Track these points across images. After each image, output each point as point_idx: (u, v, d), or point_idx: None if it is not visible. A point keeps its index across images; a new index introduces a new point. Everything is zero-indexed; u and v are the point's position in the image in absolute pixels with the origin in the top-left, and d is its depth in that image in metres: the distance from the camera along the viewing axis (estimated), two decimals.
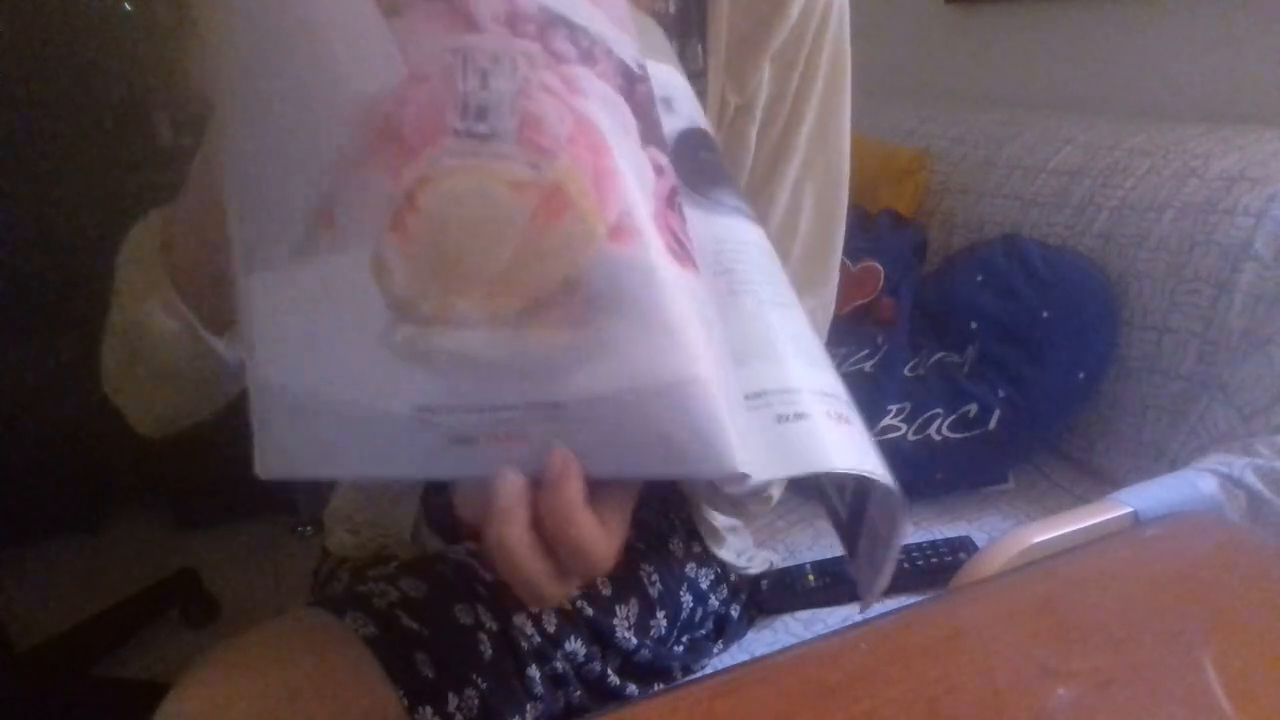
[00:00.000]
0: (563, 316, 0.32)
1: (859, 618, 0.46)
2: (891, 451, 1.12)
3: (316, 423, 0.34)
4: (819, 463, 0.34)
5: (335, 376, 0.34)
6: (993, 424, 1.05)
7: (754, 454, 0.33)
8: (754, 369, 0.35)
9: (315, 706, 0.51)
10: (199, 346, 0.50)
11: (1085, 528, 0.60)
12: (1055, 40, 1.49)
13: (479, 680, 0.61)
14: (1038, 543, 0.59)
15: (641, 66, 0.35)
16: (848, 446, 0.35)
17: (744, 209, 0.41)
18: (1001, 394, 1.06)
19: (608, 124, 0.32)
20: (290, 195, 0.33)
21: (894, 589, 0.88)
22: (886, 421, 1.08)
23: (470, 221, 0.32)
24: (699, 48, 0.61)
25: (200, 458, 1.30)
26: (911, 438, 1.07)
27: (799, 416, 0.34)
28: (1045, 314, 1.06)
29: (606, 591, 0.70)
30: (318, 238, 0.33)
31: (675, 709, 0.39)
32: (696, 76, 0.61)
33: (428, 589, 0.62)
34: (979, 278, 1.15)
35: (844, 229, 0.66)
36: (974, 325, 1.12)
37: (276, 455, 0.35)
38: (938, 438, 1.07)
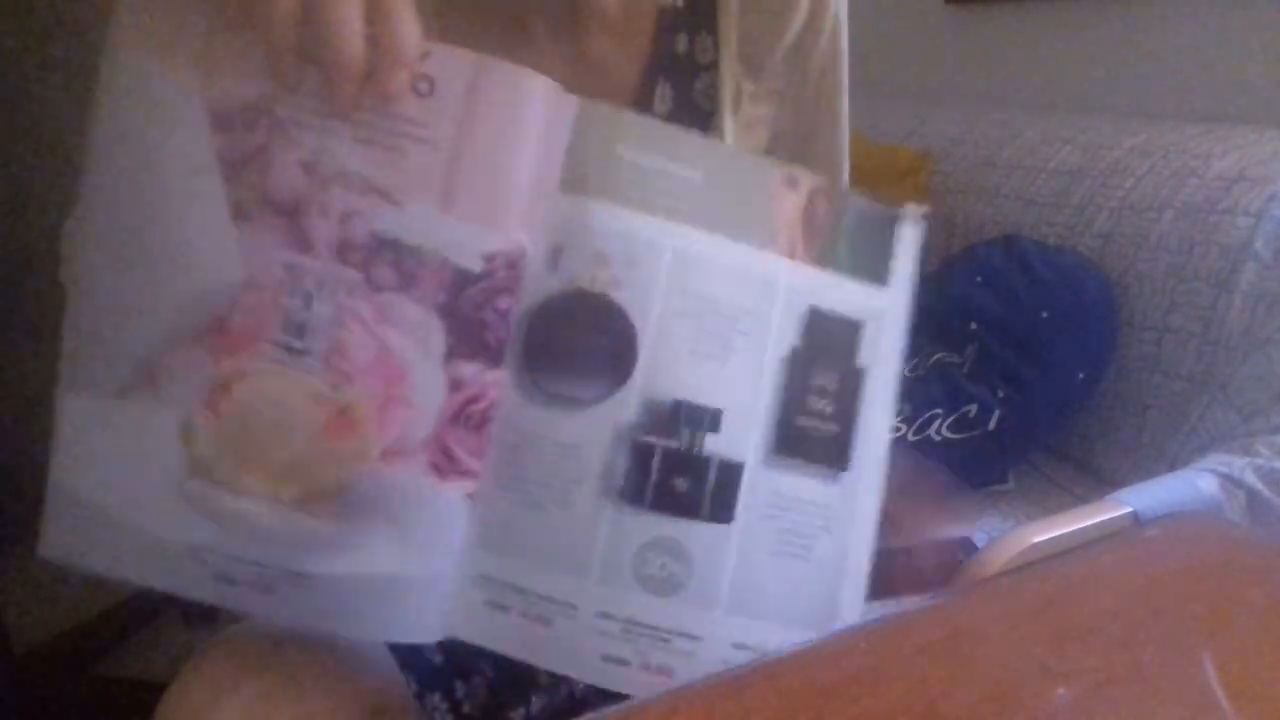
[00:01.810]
0: (329, 510, 0.39)
1: (859, 618, 0.46)
2: (891, 452, 1.12)
3: (102, 531, 0.40)
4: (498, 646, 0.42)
5: (128, 501, 0.39)
6: (992, 424, 1.06)
7: (470, 624, 0.42)
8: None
9: (323, 694, 0.51)
10: None
11: (1085, 528, 0.60)
12: (1055, 40, 1.49)
13: (486, 668, 0.61)
14: (1038, 543, 0.59)
15: (491, 258, 0.39)
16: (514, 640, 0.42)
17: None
18: (1001, 394, 1.06)
19: (408, 353, 0.39)
20: (122, 347, 0.38)
21: (894, 589, 0.88)
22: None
23: (271, 419, 0.38)
24: (709, 40, 0.63)
25: None
26: (911, 438, 1.07)
27: (503, 609, 0.41)
28: (1045, 314, 1.06)
29: None
30: (139, 390, 0.38)
31: (675, 709, 0.39)
32: (708, 69, 0.63)
33: None
34: (979, 278, 1.15)
35: None
36: (974, 326, 1.12)
37: (60, 544, 0.41)
38: (937, 438, 1.07)
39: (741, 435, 0.42)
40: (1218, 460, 0.84)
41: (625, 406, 0.40)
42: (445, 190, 0.38)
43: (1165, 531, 0.56)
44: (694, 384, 0.41)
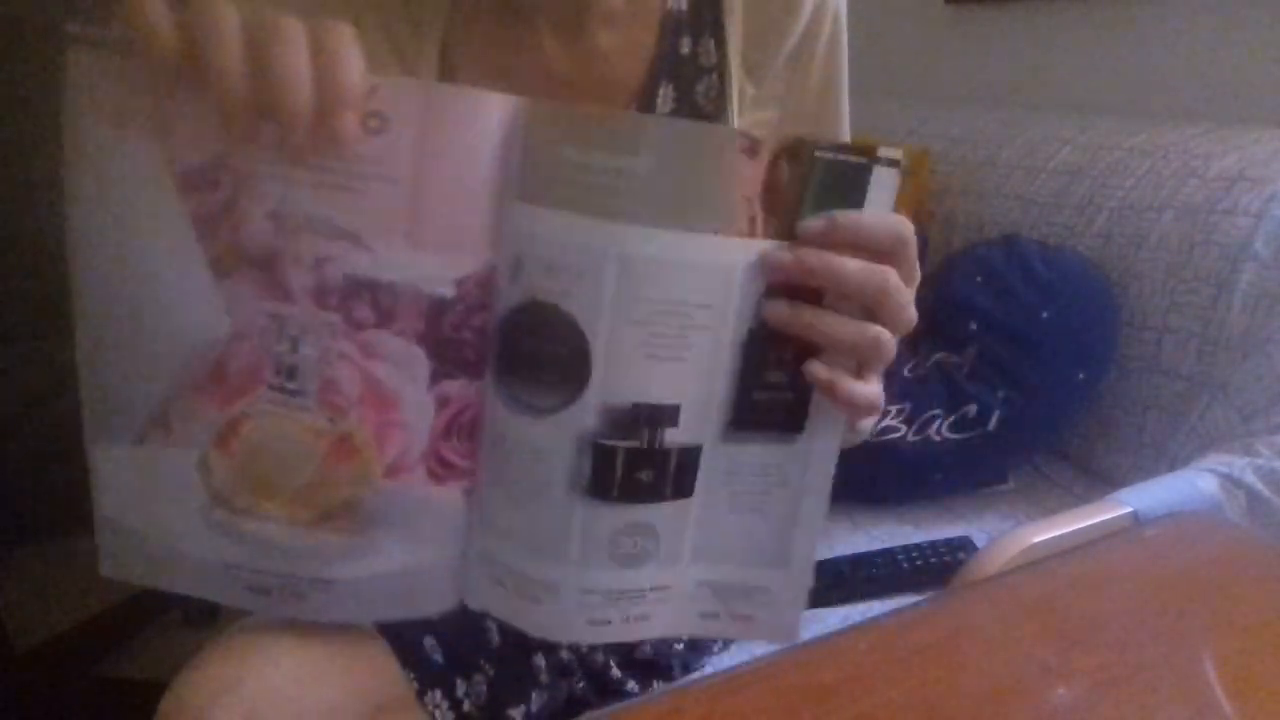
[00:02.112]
0: (343, 526, 0.43)
1: (859, 618, 0.46)
2: (891, 452, 1.12)
3: (150, 553, 0.45)
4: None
5: (164, 529, 0.44)
6: (992, 424, 1.06)
7: (476, 594, 0.47)
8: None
9: (325, 689, 0.51)
10: None
11: (1085, 528, 0.61)
12: (1055, 40, 1.49)
13: (487, 667, 0.61)
14: (1038, 543, 0.59)
15: (462, 282, 0.40)
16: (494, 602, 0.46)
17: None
18: (1001, 394, 1.06)
19: (395, 381, 0.41)
20: (132, 401, 0.42)
21: (894, 589, 0.88)
22: (886, 422, 1.08)
23: (278, 453, 0.42)
24: (711, 43, 0.63)
25: None
26: (911, 438, 1.07)
27: (501, 585, 0.45)
28: (1045, 314, 1.06)
29: None
30: (155, 436, 0.42)
31: (675, 709, 0.39)
32: (709, 72, 0.64)
33: None
34: (979, 278, 1.15)
35: None
36: (974, 325, 1.12)
37: (116, 564, 0.46)
38: (937, 438, 1.07)
39: (700, 421, 0.43)
40: (1218, 460, 0.84)
41: (585, 413, 0.41)
42: (411, 225, 0.39)
43: (1165, 531, 0.56)
44: (651, 386, 0.41)
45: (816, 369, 0.42)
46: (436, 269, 0.40)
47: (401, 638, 0.57)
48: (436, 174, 0.39)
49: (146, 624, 1.59)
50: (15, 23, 1.59)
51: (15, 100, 1.61)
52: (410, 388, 0.41)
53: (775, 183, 0.41)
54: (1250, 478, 0.81)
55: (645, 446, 0.42)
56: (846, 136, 0.68)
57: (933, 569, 0.90)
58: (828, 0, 0.63)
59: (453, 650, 0.60)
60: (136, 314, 0.40)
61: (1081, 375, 1.06)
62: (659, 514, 0.44)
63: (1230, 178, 1.01)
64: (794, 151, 0.41)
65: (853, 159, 0.41)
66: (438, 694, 0.57)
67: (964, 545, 0.94)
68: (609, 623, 0.45)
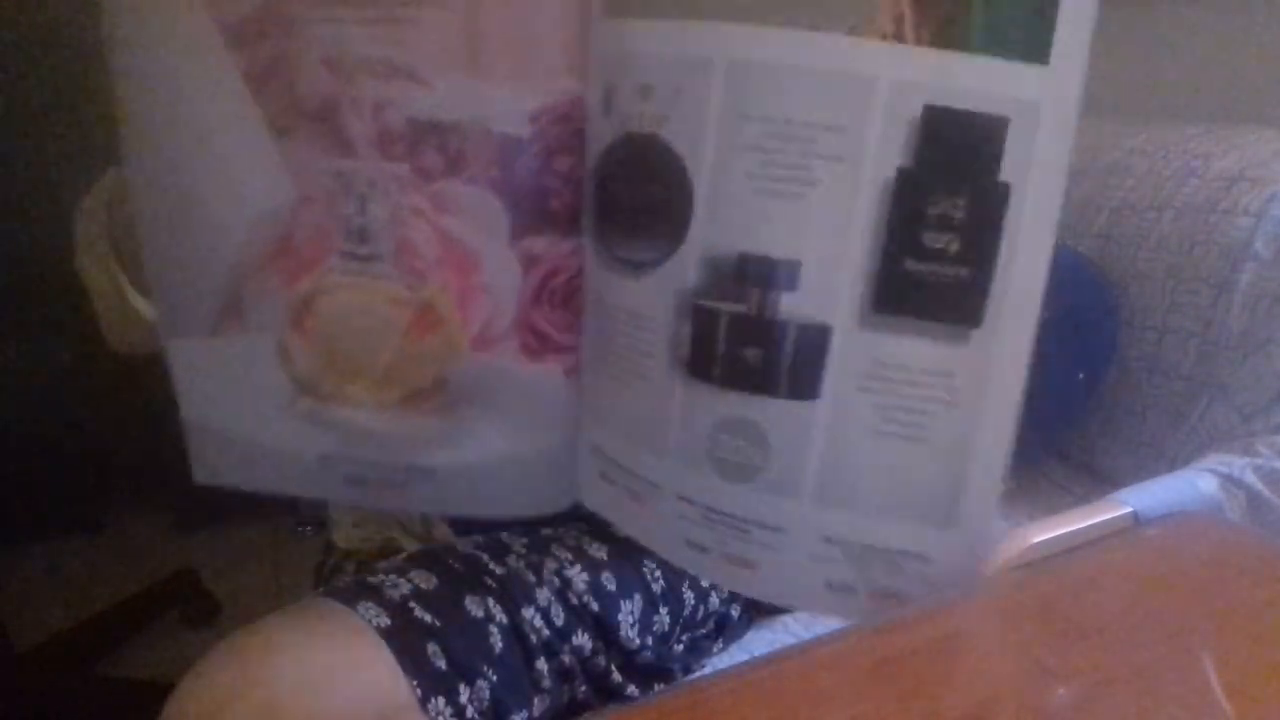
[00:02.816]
0: (434, 406, 0.40)
1: (858, 619, 0.46)
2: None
3: (240, 453, 0.42)
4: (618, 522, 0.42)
5: (252, 424, 0.41)
6: None
7: (590, 491, 0.42)
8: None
9: (328, 696, 0.51)
10: (124, 304, 0.52)
11: (1085, 528, 0.60)
12: None
13: (489, 672, 0.61)
14: (1038, 543, 0.59)
15: (536, 117, 0.36)
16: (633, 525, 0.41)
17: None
18: None
19: (473, 237, 0.37)
20: (199, 288, 0.39)
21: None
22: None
23: (358, 329, 0.39)
24: None
25: None
26: None
27: (611, 482, 0.41)
28: (1045, 314, 1.06)
29: (611, 587, 0.70)
30: (229, 323, 0.39)
31: (675, 709, 0.39)
32: None
33: (438, 581, 0.62)
34: None
35: None
36: None
37: (208, 470, 0.43)
38: None
39: (828, 291, 0.33)
40: (1218, 460, 0.84)
41: (685, 267, 0.35)
42: (470, 54, 0.36)
43: (1165, 531, 0.56)
44: (763, 231, 0.33)
45: None
46: (506, 103, 0.36)
47: (404, 644, 0.57)
48: None
49: (146, 624, 1.59)
50: (14, 24, 1.59)
51: (14, 100, 1.61)
52: (491, 244, 0.38)
53: None
54: (1250, 478, 0.81)
55: (754, 313, 0.34)
56: None
57: None
58: None
59: (455, 656, 0.59)
60: (196, 188, 0.37)
61: (1081, 375, 1.06)
62: (770, 413, 0.35)
63: (1230, 178, 1.01)
64: None
65: None
66: (440, 700, 0.57)
67: None
68: (706, 550, 0.38)
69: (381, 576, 0.62)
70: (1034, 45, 0.31)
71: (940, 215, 0.33)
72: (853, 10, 0.31)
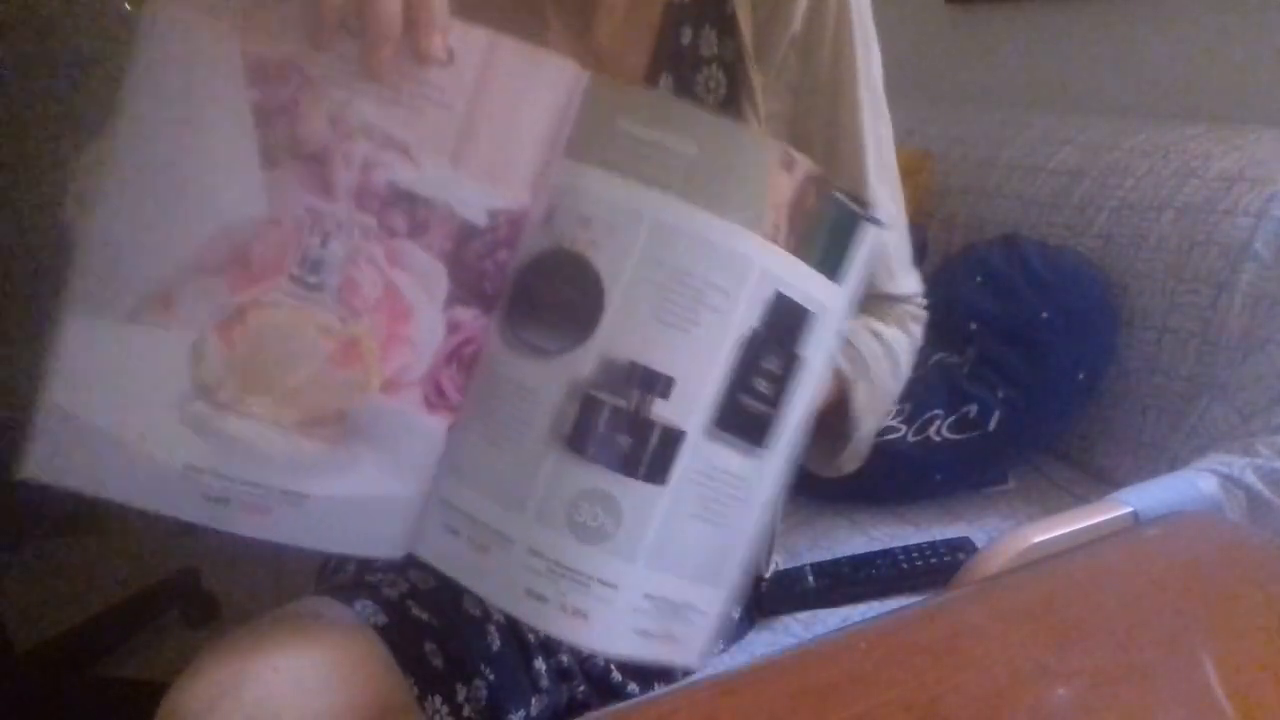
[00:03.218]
0: (329, 435, 0.43)
1: (859, 618, 0.46)
2: (891, 453, 1.12)
3: (94, 451, 0.41)
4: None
5: (126, 421, 0.41)
6: (992, 425, 1.05)
7: (428, 542, 0.46)
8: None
9: (325, 694, 0.51)
10: None
11: (1085, 528, 0.60)
12: (1055, 40, 1.49)
13: (487, 671, 0.61)
14: (1038, 543, 0.59)
15: (495, 214, 0.43)
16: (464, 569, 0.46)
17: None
18: (1001, 395, 1.06)
19: (413, 294, 0.42)
20: (139, 272, 0.41)
21: (894, 589, 0.88)
22: (886, 423, 1.08)
23: (281, 346, 0.41)
24: (713, 34, 0.64)
25: None
26: (911, 439, 1.07)
27: (455, 533, 0.45)
28: (1045, 314, 1.06)
29: None
30: (151, 313, 0.41)
31: (676, 709, 0.39)
32: (709, 62, 0.64)
33: (436, 581, 0.62)
34: (979, 278, 1.15)
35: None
36: (974, 326, 1.12)
37: (47, 464, 0.41)
38: (937, 438, 1.07)
39: (688, 405, 0.43)
40: (1218, 460, 0.84)
41: (585, 361, 0.42)
42: (458, 149, 0.42)
43: (1165, 531, 0.56)
44: (653, 350, 0.42)
45: None
46: (474, 195, 0.42)
47: (402, 642, 0.57)
48: (489, 112, 0.42)
49: (146, 624, 1.59)
50: (11, 28, 1.59)
51: (14, 100, 1.61)
52: (426, 304, 0.43)
53: (802, 201, 0.44)
54: (1250, 478, 0.81)
55: (632, 409, 0.42)
56: (864, 121, 0.67)
57: (933, 569, 0.90)
58: None
59: (453, 655, 0.59)
60: (176, 186, 0.40)
61: (1081, 375, 1.06)
62: (627, 491, 0.43)
63: (1230, 178, 1.01)
64: (820, 182, 0.45)
65: (855, 208, 0.46)
66: (438, 699, 0.57)
67: (964, 545, 0.94)
68: (545, 600, 0.43)
69: (380, 575, 0.62)
70: (835, 268, 0.45)
71: (767, 368, 0.44)
72: (750, 211, 0.42)
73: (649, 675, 0.72)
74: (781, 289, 0.44)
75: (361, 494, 0.44)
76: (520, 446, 0.43)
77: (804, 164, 0.44)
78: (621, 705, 0.41)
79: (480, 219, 0.43)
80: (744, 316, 0.43)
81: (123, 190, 0.40)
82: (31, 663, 1.46)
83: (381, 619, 0.57)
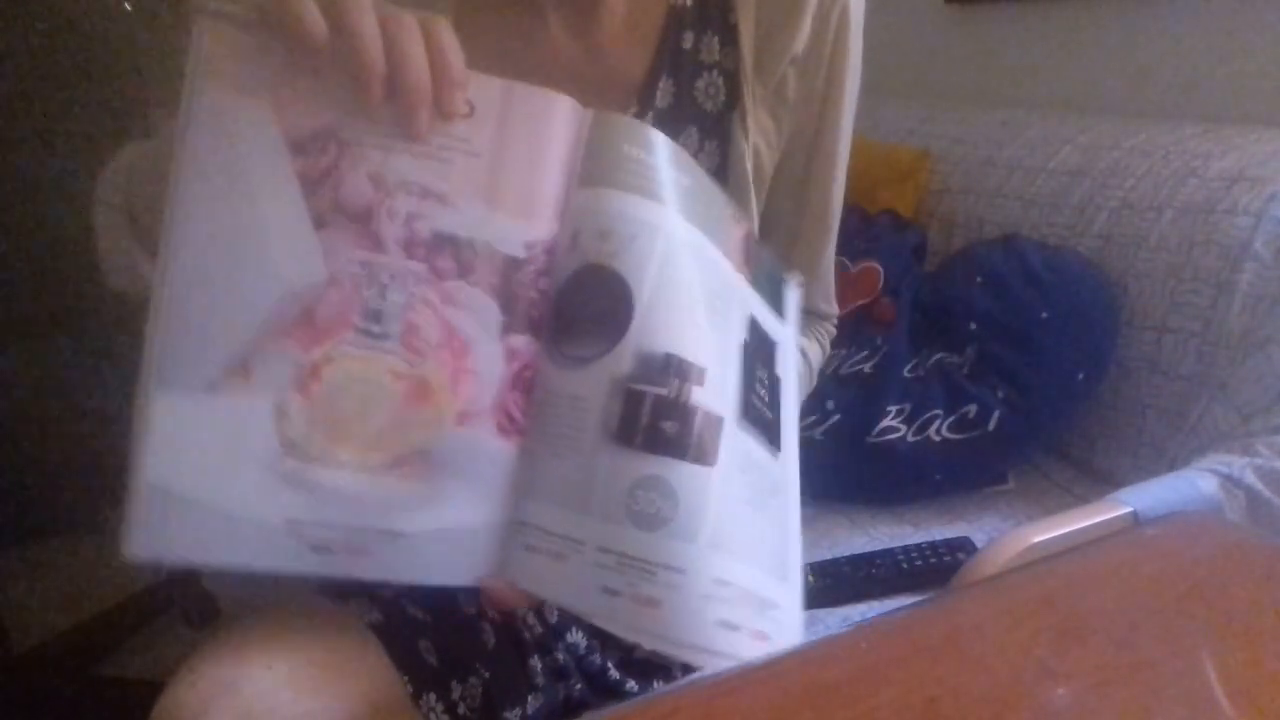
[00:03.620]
0: (414, 472, 0.45)
1: (859, 618, 0.46)
2: (891, 453, 1.12)
3: (195, 522, 0.43)
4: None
5: (222, 488, 0.43)
6: (992, 424, 1.06)
7: (509, 564, 0.47)
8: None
9: (320, 693, 0.51)
10: (131, 261, 0.54)
11: (1085, 528, 0.61)
12: (1055, 40, 1.49)
13: (482, 669, 0.61)
14: (1038, 543, 0.59)
15: (531, 245, 0.46)
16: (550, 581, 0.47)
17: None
18: (1001, 395, 1.06)
19: (470, 329, 0.45)
20: (215, 345, 0.43)
21: (894, 589, 0.88)
22: (886, 423, 1.08)
23: (357, 395, 0.44)
24: (715, 41, 0.64)
25: None
26: (911, 439, 1.07)
27: (532, 550, 0.46)
28: (1045, 314, 1.06)
29: None
30: (232, 382, 0.43)
31: (675, 709, 0.39)
32: (710, 68, 0.64)
33: None
34: (978, 278, 1.15)
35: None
36: (973, 326, 1.12)
37: (150, 542, 0.43)
38: (937, 438, 1.07)
39: (720, 393, 0.46)
40: (1218, 460, 0.84)
41: (623, 358, 0.45)
42: (489, 191, 0.45)
43: (1165, 531, 0.56)
44: (684, 341, 0.45)
45: None
46: (510, 231, 0.46)
47: (396, 640, 0.57)
48: (512, 153, 0.45)
49: (146, 624, 1.59)
50: (14, 26, 1.59)
51: (14, 100, 1.61)
52: (483, 336, 0.46)
53: (747, 248, 0.52)
54: (1250, 478, 0.81)
55: (672, 396, 0.45)
56: (842, 148, 0.70)
57: (933, 569, 0.90)
58: (835, 4, 0.64)
59: (447, 653, 0.59)
60: (238, 262, 0.43)
61: (1081, 375, 1.06)
62: (678, 473, 0.45)
63: (1230, 178, 1.01)
64: (756, 241, 0.53)
65: (776, 273, 0.57)
66: (432, 697, 0.57)
67: (964, 545, 0.94)
68: (618, 594, 0.45)
69: None
70: (778, 310, 0.54)
71: (760, 379, 0.49)
72: (723, 242, 0.50)
73: (648, 673, 0.72)
74: (755, 315, 0.50)
75: (451, 524, 0.46)
76: (578, 452, 0.45)
77: (745, 221, 0.52)
78: (621, 705, 0.41)
79: (519, 251, 0.46)
80: (739, 327, 0.48)
81: (187, 268, 0.43)
82: (31, 663, 1.46)
83: (376, 617, 0.57)
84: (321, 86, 0.43)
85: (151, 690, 0.50)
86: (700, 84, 0.64)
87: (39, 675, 1.47)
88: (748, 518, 0.47)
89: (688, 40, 0.64)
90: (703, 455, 0.45)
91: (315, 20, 0.40)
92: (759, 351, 0.50)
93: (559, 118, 0.46)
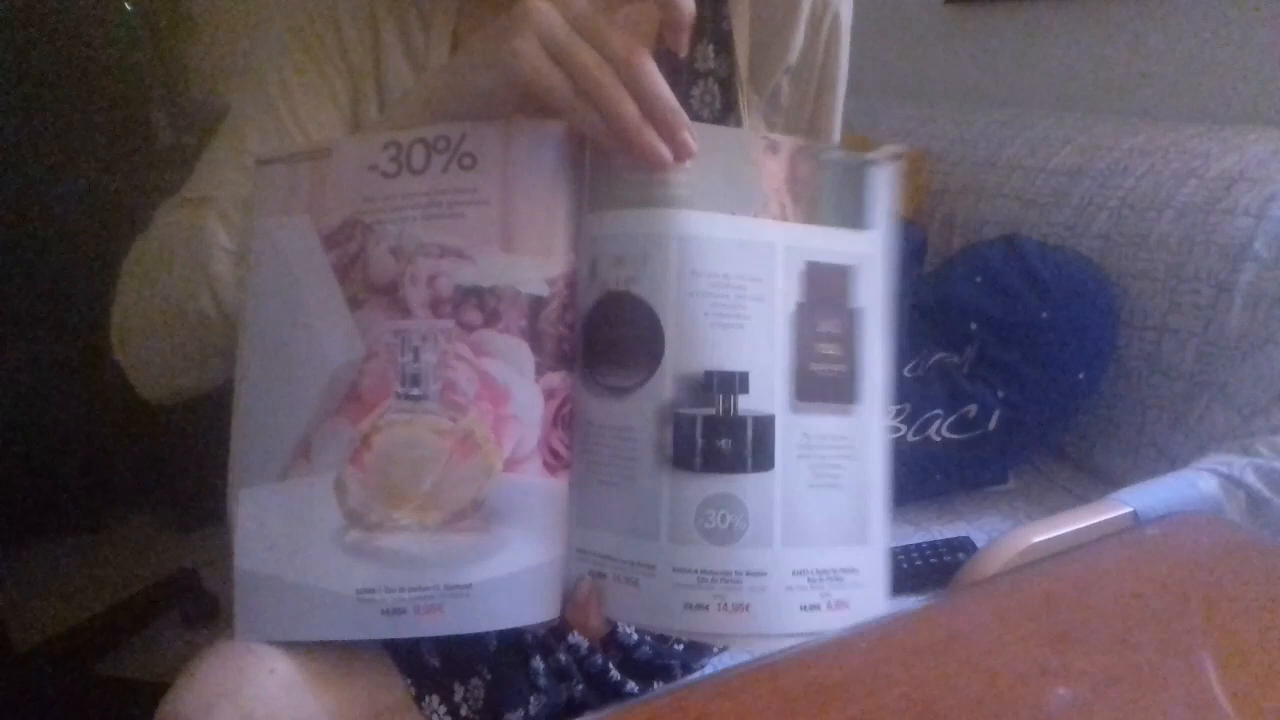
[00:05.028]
0: (472, 524, 0.45)
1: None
2: (892, 453, 1.12)
3: (285, 600, 0.47)
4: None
5: (300, 565, 0.46)
6: (992, 424, 1.06)
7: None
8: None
9: (321, 696, 0.51)
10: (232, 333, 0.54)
11: (1085, 528, 0.60)
12: (1055, 40, 1.49)
13: (484, 671, 0.61)
14: (1038, 543, 0.59)
15: (553, 281, 0.46)
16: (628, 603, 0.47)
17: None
18: (1001, 395, 1.06)
19: (505, 375, 0.46)
20: (281, 436, 0.47)
21: (894, 589, 0.88)
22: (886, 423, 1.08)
23: (407, 458, 0.46)
24: (710, 49, 0.64)
25: (200, 458, 1.30)
26: (911, 439, 1.07)
27: (601, 576, 0.47)
28: (1045, 314, 1.06)
29: None
30: (297, 466, 0.47)
31: (675, 709, 0.39)
32: (704, 77, 0.64)
33: None
34: (978, 278, 1.15)
35: None
36: (973, 326, 1.12)
37: (254, 625, 0.48)
38: (937, 439, 1.07)
39: (767, 391, 0.46)
40: (1218, 460, 0.84)
41: (663, 385, 0.45)
42: (504, 236, 0.46)
43: (1165, 531, 0.56)
44: (719, 353, 0.45)
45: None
46: (530, 271, 0.46)
47: (398, 643, 0.57)
48: (520, 193, 0.46)
49: (146, 624, 1.59)
50: (15, 28, 1.59)
51: (14, 100, 1.61)
52: (520, 380, 0.46)
53: (795, 176, 0.47)
54: (1250, 478, 0.81)
55: (721, 413, 0.45)
56: (836, 135, 0.70)
57: (933, 569, 0.90)
58: (827, 12, 0.65)
59: (449, 655, 0.59)
60: (290, 355, 0.47)
61: (1081, 375, 1.06)
62: (742, 486, 0.45)
63: (1230, 178, 1.01)
64: (807, 152, 0.48)
65: (855, 157, 0.49)
66: (435, 699, 0.57)
67: (964, 545, 0.94)
68: (706, 608, 0.45)
69: None
70: (860, 219, 0.48)
71: (826, 332, 0.47)
72: (753, 201, 0.46)
73: (648, 674, 0.72)
74: (811, 258, 0.47)
75: (515, 568, 0.46)
76: (634, 481, 0.45)
77: (787, 143, 0.47)
78: (621, 705, 0.41)
79: (542, 290, 0.46)
80: (785, 295, 0.46)
81: (253, 376, 0.48)
82: (31, 663, 1.46)
83: None
84: (344, 181, 0.47)
85: (151, 690, 0.50)
86: (696, 91, 0.64)
87: (39, 675, 1.47)
88: (814, 501, 0.46)
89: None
90: (762, 462, 0.45)
91: (560, 80, 0.43)
92: (825, 298, 0.48)
93: (558, 146, 0.47)
